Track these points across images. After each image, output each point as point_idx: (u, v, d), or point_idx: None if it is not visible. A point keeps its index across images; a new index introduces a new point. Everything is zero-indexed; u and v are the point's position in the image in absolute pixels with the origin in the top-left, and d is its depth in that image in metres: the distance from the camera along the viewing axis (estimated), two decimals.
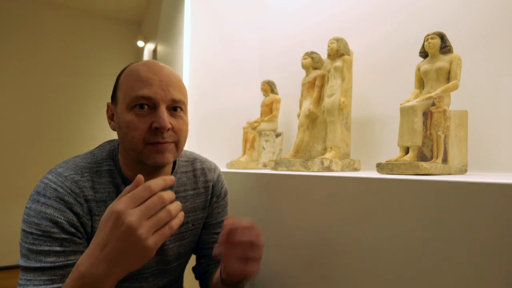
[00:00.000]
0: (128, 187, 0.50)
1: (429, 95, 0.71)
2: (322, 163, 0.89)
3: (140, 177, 0.50)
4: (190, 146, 1.57)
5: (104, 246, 0.47)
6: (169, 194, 0.50)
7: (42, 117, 3.22)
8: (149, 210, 0.47)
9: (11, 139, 3.07)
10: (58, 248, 0.59)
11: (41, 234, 0.59)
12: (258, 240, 0.66)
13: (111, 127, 0.70)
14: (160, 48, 2.55)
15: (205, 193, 0.83)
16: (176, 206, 0.50)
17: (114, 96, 0.69)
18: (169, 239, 0.77)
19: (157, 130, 0.63)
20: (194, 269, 0.90)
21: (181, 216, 0.51)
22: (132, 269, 0.49)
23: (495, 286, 0.43)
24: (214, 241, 0.85)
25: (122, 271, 0.48)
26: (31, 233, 0.59)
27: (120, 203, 0.47)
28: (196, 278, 0.90)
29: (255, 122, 1.35)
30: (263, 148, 1.31)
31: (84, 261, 0.49)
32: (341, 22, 1.22)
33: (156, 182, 0.49)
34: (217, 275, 0.79)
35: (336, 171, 0.89)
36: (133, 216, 0.46)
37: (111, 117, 0.70)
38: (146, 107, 0.63)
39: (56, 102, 3.28)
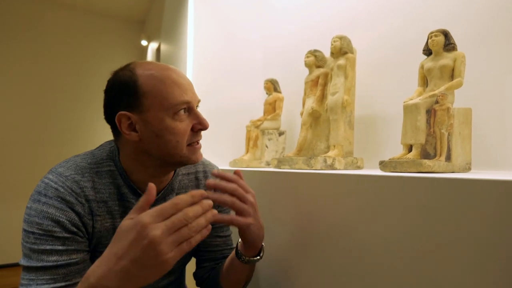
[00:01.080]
0: (144, 197, 0.50)
1: (432, 92, 0.71)
2: (325, 161, 0.89)
3: (152, 185, 0.51)
4: None
5: (121, 257, 0.46)
6: (194, 211, 0.50)
7: (45, 116, 3.23)
8: (174, 226, 0.47)
9: (13, 138, 3.09)
10: (60, 247, 0.59)
11: (42, 233, 0.59)
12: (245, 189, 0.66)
13: (130, 138, 0.65)
14: (163, 47, 2.56)
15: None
16: (201, 221, 0.50)
17: (132, 104, 0.63)
18: None
19: (198, 131, 0.68)
20: (195, 274, 0.88)
21: (205, 232, 0.51)
22: (145, 284, 0.48)
23: (498, 281, 0.43)
24: (217, 244, 0.85)
25: (134, 285, 0.47)
26: (33, 233, 0.59)
27: (146, 216, 0.47)
28: (198, 284, 0.88)
29: (258, 120, 1.35)
30: (266, 147, 1.31)
31: (95, 272, 0.48)
32: (344, 20, 1.21)
33: (184, 199, 0.50)
34: (231, 255, 0.78)
35: (339, 169, 0.89)
36: (158, 230, 0.46)
37: (129, 128, 0.64)
38: (185, 111, 0.66)
39: (59, 101, 3.29)
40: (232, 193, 0.64)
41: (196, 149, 0.69)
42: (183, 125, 0.65)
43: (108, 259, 0.48)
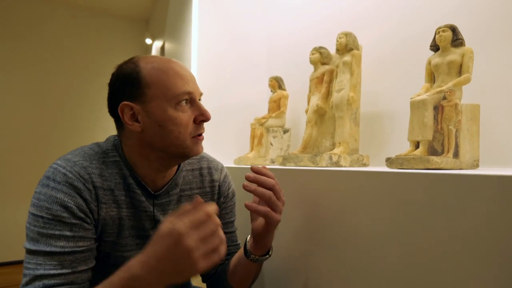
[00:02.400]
0: (187, 207, 0.53)
1: (440, 88, 0.70)
2: (330, 158, 0.88)
3: (199, 199, 0.53)
4: None
5: (161, 259, 0.50)
6: (218, 221, 0.53)
7: (49, 115, 3.23)
8: (206, 235, 0.51)
9: (18, 137, 3.10)
10: (68, 233, 0.60)
11: (51, 218, 0.59)
12: (279, 188, 0.69)
13: (133, 128, 0.65)
14: (167, 46, 2.56)
15: (211, 192, 0.83)
16: (222, 232, 0.53)
17: (135, 95, 0.64)
18: None
19: (201, 123, 0.68)
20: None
21: (225, 242, 0.54)
22: (176, 283, 0.52)
23: (506, 276, 0.43)
24: None
25: (169, 282, 0.52)
26: (42, 217, 0.59)
27: (182, 224, 0.50)
28: (204, 280, 0.88)
29: (263, 118, 1.34)
30: (271, 144, 1.31)
31: (138, 266, 0.51)
32: (349, 16, 1.21)
33: (213, 209, 0.53)
34: (239, 253, 0.78)
35: (345, 166, 0.89)
36: (192, 240, 0.49)
37: (131, 118, 0.65)
38: (187, 102, 0.67)
39: (63, 100, 3.29)
40: (270, 188, 0.67)
41: (197, 141, 0.69)
42: (185, 116, 0.66)
43: (150, 258, 0.51)
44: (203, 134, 0.70)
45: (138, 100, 0.65)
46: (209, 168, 0.84)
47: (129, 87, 0.65)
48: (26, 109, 3.15)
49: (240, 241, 0.87)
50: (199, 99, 0.70)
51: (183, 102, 0.66)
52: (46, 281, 0.58)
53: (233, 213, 0.88)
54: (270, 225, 0.68)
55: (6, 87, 3.08)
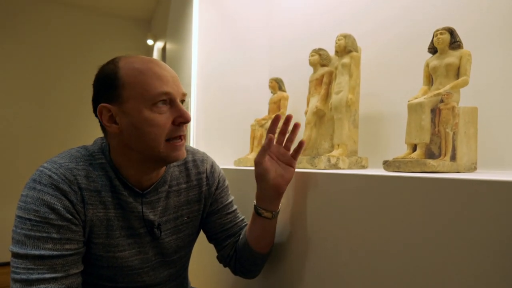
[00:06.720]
0: None
1: (437, 91, 0.70)
2: (329, 160, 0.88)
3: None
4: (198, 143, 1.58)
5: None
6: None
7: (49, 117, 3.22)
8: None
9: (16, 139, 3.08)
10: (55, 235, 0.61)
11: (39, 220, 0.60)
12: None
13: (111, 130, 0.66)
14: (169, 46, 2.57)
15: (198, 185, 0.83)
16: None
17: (112, 96, 0.65)
18: (165, 232, 0.78)
19: (180, 125, 0.67)
20: (220, 256, 0.88)
21: None
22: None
23: (504, 283, 0.43)
24: (230, 220, 0.86)
25: None
26: (29, 220, 0.60)
27: None
28: (226, 264, 0.88)
29: (263, 119, 1.35)
30: None
31: None
32: (349, 18, 1.21)
33: None
34: (252, 218, 0.80)
35: (343, 168, 0.89)
36: None
37: (110, 120, 0.66)
38: (165, 103, 0.66)
39: (63, 101, 3.28)
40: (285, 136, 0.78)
41: (177, 146, 0.68)
42: (163, 117, 0.65)
43: None
44: (183, 139, 0.69)
45: (115, 101, 0.65)
46: (194, 160, 0.85)
47: (107, 88, 0.66)
48: (26, 110, 3.15)
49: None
50: (183, 100, 0.70)
51: (160, 103, 0.65)
52: (42, 286, 0.58)
53: (229, 195, 0.90)
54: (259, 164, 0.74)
55: (7, 87, 3.09)
